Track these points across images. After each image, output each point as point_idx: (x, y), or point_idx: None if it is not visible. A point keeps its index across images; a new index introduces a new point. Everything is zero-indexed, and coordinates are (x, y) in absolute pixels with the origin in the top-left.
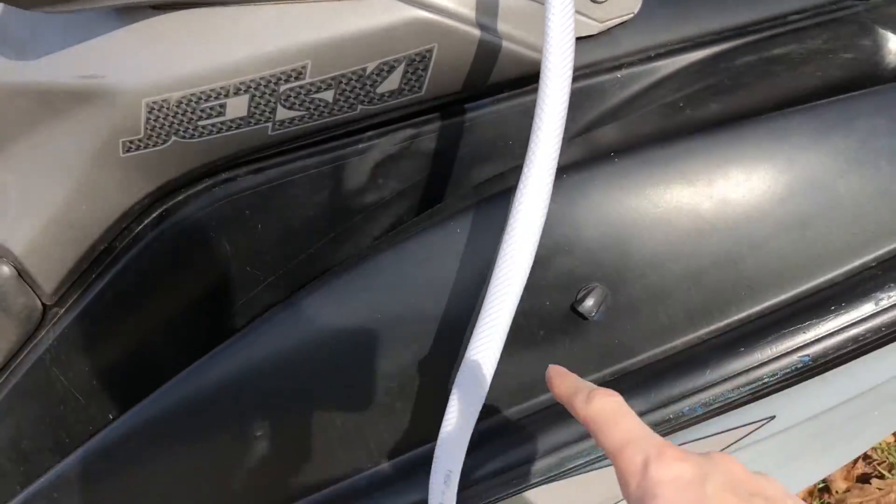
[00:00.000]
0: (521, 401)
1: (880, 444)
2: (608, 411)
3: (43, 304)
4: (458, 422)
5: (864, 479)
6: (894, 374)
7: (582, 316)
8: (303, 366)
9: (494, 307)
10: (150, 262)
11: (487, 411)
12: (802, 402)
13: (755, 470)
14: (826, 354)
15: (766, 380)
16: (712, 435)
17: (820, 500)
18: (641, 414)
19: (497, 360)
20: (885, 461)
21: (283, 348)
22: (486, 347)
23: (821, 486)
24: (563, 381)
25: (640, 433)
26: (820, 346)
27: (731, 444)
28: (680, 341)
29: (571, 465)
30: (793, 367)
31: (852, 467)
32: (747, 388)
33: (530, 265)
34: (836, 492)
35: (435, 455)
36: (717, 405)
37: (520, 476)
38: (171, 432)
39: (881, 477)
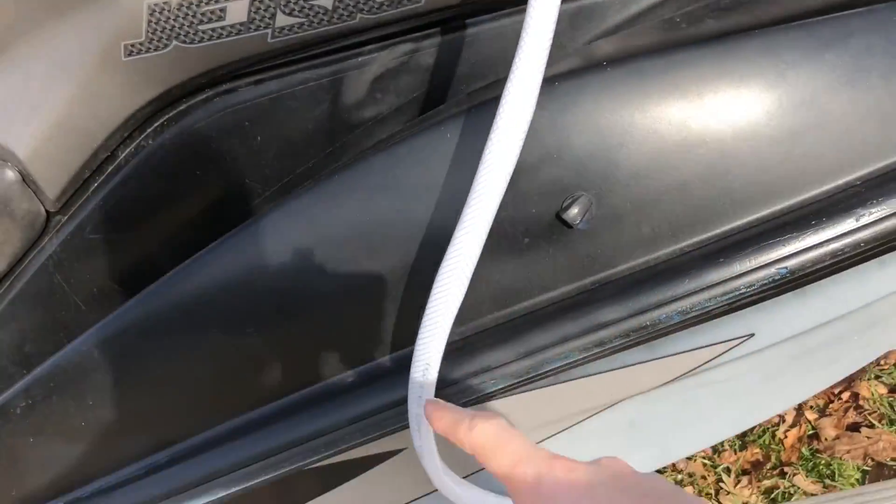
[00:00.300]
0: (503, 306)
1: (873, 394)
2: (492, 435)
3: (46, 211)
4: (436, 316)
5: (853, 427)
6: (873, 298)
7: (566, 224)
8: (292, 265)
9: (475, 206)
10: (151, 172)
11: (470, 316)
12: (782, 321)
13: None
14: (804, 268)
15: (743, 290)
16: (693, 350)
17: (809, 446)
18: (619, 321)
19: (476, 258)
20: (875, 411)
21: (274, 247)
22: (464, 248)
23: (810, 432)
24: (443, 415)
25: (527, 451)
26: (798, 260)
27: (711, 359)
28: (662, 252)
29: (549, 368)
30: (770, 280)
31: (843, 416)
32: (724, 297)
33: (511, 170)
34: (826, 439)
35: (414, 348)
36: (693, 314)
37: (498, 377)
38: (164, 327)
39: (871, 426)
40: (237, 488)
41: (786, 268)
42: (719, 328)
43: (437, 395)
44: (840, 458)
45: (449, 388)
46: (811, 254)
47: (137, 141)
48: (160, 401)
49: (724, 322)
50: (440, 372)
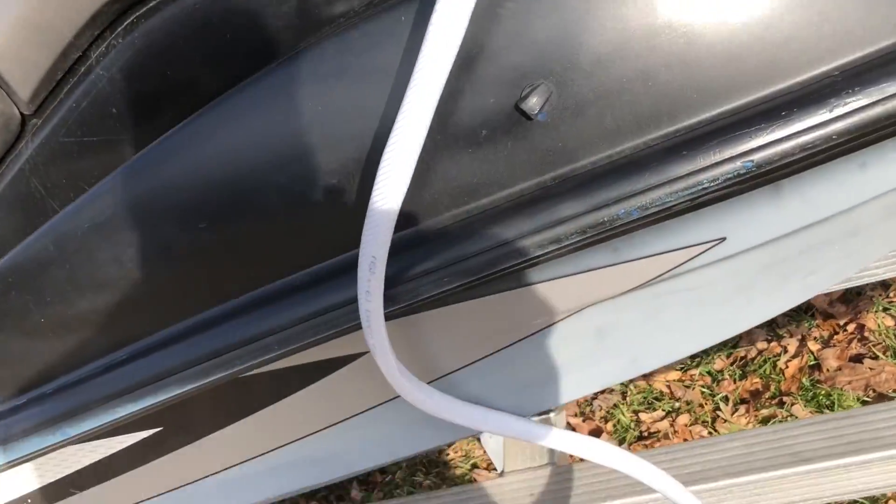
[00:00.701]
0: (460, 204)
1: (879, 326)
2: None
3: (21, 114)
4: (381, 208)
5: (857, 359)
6: (854, 203)
7: (526, 115)
8: (243, 158)
9: (418, 85)
10: (121, 72)
11: (427, 214)
12: (755, 224)
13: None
14: (771, 162)
15: (706, 185)
16: (661, 253)
17: (810, 377)
18: (576, 217)
19: (420, 143)
20: (880, 343)
21: (225, 139)
22: (406, 133)
23: (812, 363)
24: None
25: None
26: (765, 153)
27: (681, 264)
28: (626, 146)
29: (504, 266)
30: (735, 173)
31: (847, 347)
32: (686, 193)
33: (454, 49)
34: (827, 370)
35: (361, 243)
36: (653, 209)
37: (453, 274)
38: (118, 222)
39: (875, 358)
40: (193, 385)
41: (752, 161)
42: (688, 231)
43: (390, 293)
44: (840, 389)
45: (403, 286)
46: (779, 147)
47: (109, 40)
48: (117, 298)
49: (693, 224)
50: (396, 269)
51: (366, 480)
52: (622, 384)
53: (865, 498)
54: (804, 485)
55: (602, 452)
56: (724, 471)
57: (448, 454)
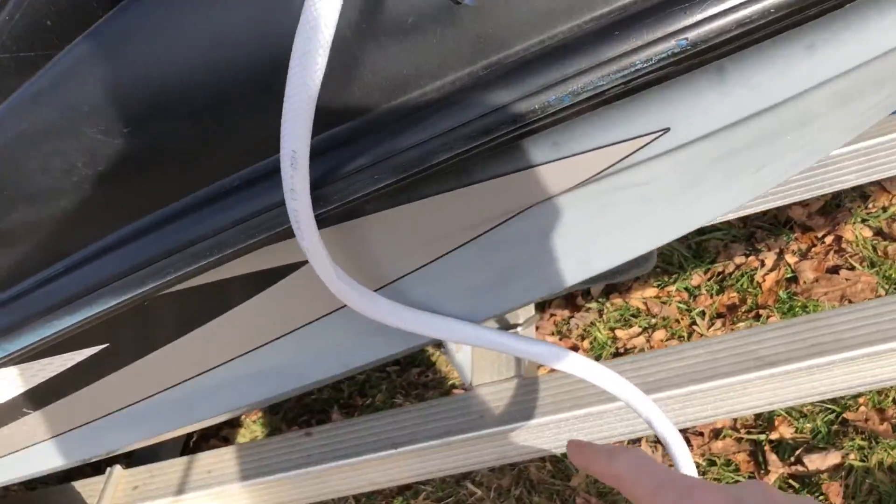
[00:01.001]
0: (391, 97)
1: (857, 237)
2: (632, 464)
3: None
4: (296, 98)
5: (834, 270)
6: (801, 89)
7: None
8: (165, 56)
9: None
10: None
11: (360, 110)
12: (699, 114)
13: None
14: (707, 39)
15: (639, 66)
16: (603, 147)
17: (787, 289)
18: (504, 106)
19: (332, 24)
20: (857, 254)
21: (146, 37)
22: (314, 13)
23: (789, 275)
24: (584, 452)
25: (667, 477)
26: (700, 30)
27: (624, 157)
28: (558, 30)
29: (437, 160)
30: (668, 53)
31: (824, 259)
32: (619, 75)
33: None
34: (804, 282)
35: (280, 138)
36: (586, 94)
37: (386, 171)
38: (43, 130)
39: (851, 269)
40: (128, 295)
41: (686, 39)
42: (630, 121)
43: (322, 193)
44: (817, 300)
45: (335, 185)
46: (714, 23)
47: None
48: (49, 210)
49: (635, 114)
50: (326, 167)
51: (346, 404)
52: (598, 302)
53: (828, 400)
54: (768, 388)
55: (556, 357)
56: (688, 377)
57: (428, 376)
